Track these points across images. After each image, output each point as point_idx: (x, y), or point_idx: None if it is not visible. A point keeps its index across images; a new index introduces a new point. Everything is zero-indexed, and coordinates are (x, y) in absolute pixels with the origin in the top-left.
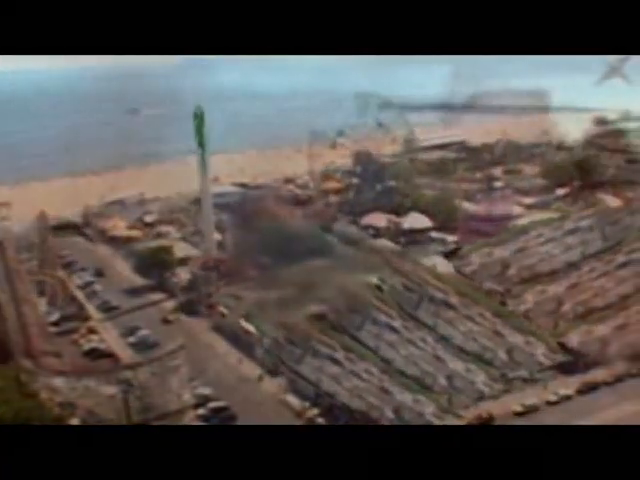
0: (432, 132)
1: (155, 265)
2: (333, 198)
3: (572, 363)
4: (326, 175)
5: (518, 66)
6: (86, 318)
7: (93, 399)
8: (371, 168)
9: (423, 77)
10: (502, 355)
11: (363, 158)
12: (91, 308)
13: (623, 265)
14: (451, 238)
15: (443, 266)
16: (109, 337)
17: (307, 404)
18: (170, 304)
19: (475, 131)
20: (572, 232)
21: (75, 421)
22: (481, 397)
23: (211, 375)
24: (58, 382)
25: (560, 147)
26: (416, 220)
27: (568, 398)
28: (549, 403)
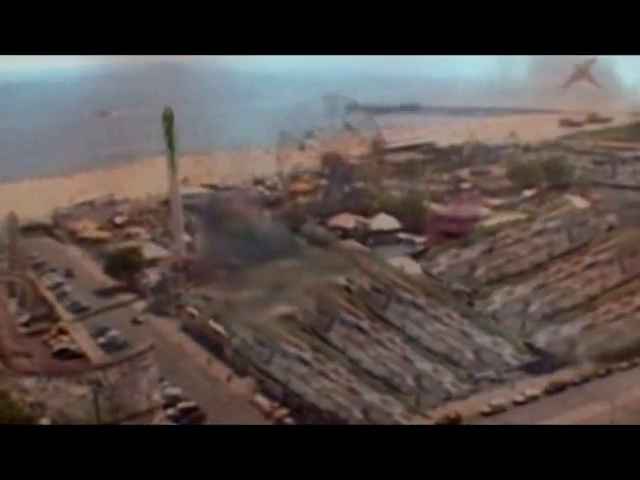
0: (400, 134)
1: (125, 266)
2: (302, 199)
3: (539, 363)
4: (295, 177)
5: (485, 68)
6: (56, 319)
7: (63, 399)
8: (339, 170)
9: (391, 79)
10: (470, 355)
11: (331, 160)
12: (61, 309)
13: (590, 266)
14: (419, 239)
15: (411, 267)
16: (79, 338)
17: (276, 404)
18: (140, 305)
19: (443, 133)
20: (539, 233)
21: (45, 421)
22: (449, 397)
23: (180, 375)
24: (28, 382)
25: (527, 149)
26: (384, 221)
27: (535, 398)
28: (516, 403)
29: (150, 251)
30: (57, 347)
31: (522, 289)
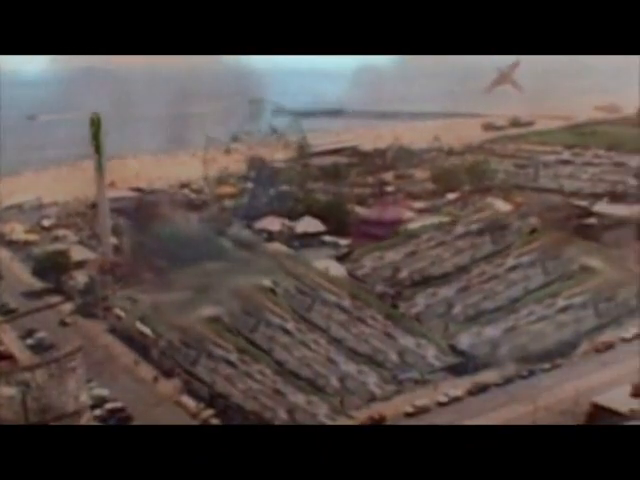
0: (325, 138)
1: (53, 268)
2: (227, 202)
3: (462, 365)
4: (221, 180)
5: (411, 72)
6: None
7: None
8: (265, 173)
9: (316, 84)
10: (393, 357)
11: (257, 163)
12: None
13: (512, 268)
14: (344, 242)
15: (336, 269)
16: (7, 339)
17: (202, 405)
18: (68, 307)
19: (367, 137)
20: (462, 236)
21: None
22: (373, 398)
23: (108, 376)
24: None
25: (450, 152)
26: (309, 224)
27: (458, 399)
28: (439, 404)
29: (78, 253)
30: None
31: (445, 291)
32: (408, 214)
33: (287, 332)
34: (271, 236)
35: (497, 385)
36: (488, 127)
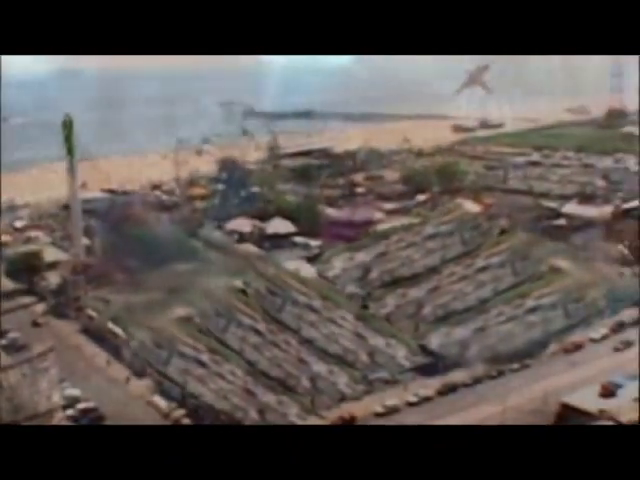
0: (295, 139)
1: (25, 269)
2: (199, 204)
3: (432, 365)
4: (192, 181)
5: (379, 74)
6: None
7: None
8: (236, 175)
9: (286, 86)
10: (364, 357)
11: (228, 165)
12: None
13: (482, 269)
14: (314, 243)
15: (306, 270)
16: None
17: (174, 405)
18: (40, 307)
19: (337, 138)
20: (432, 237)
21: None
22: (343, 398)
23: (80, 377)
24: None
25: (420, 154)
26: (280, 225)
27: (428, 399)
28: (409, 404)
29: (50, 254)
30: None
31: (415, 292)
32: (378, 215)
33: (258, 332)
34: (242, 237)
35: (467, 385)
36: (457, 129)
